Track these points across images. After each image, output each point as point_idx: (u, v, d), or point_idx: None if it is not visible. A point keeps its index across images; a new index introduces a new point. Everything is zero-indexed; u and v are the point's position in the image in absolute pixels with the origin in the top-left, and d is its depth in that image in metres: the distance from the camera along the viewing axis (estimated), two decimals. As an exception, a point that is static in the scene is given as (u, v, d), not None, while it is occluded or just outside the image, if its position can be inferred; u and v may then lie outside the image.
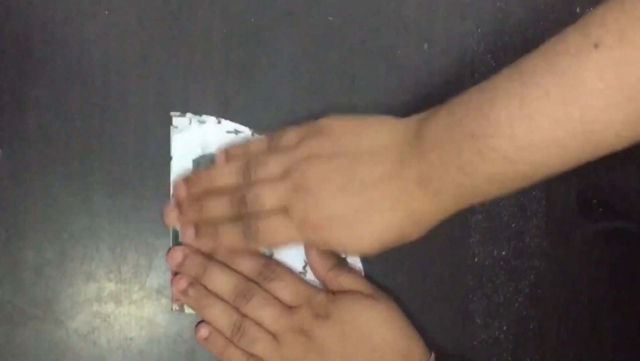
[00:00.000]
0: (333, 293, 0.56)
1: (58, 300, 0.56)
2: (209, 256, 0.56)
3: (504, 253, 0.59)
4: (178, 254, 0.56)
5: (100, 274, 0.57)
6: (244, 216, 0.52)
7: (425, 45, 0.59)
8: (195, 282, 0.56)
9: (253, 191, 0.52)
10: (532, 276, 0.60)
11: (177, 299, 0.56)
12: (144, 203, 0.57)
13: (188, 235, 0.55)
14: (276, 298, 0.55)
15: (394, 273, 0.59)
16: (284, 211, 0.50)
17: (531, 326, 0.60)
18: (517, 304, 0.60)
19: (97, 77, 0.57)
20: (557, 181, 0.58)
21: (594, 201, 0.60)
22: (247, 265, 0.56)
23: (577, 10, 0.59)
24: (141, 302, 0.57)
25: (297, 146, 0.52)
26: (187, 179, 0.56)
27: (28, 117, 0.56)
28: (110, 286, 0.57)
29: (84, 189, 0.57)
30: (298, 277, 0.57)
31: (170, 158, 0.57)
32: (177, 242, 0.55)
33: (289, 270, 0.57)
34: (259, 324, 0.55)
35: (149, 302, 0.57)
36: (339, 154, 0.50)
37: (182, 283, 0.56)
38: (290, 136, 0.53)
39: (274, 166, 0.52)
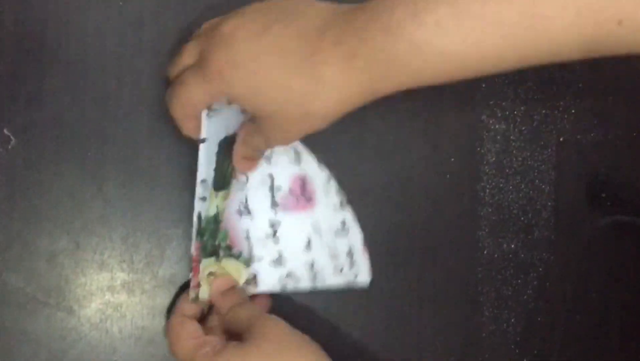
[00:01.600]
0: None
1: (71, 289, 0.57)
2: None
3: (513, 246, 0.60)
4: None
5: (112, 263, 0.57)
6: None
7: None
8: None
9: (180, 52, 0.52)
10: (540, 270, 0.60)
11: (194, 287, 0.56)
12: (157, 193, 0.57)
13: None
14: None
15: (403, 266, 0.59)
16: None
17: (539, 319, 0.60)
18: (525, 297, 0.60)
19: (111, 67, 0.57)
20: (566, 175, 0.59)
21: (603, 195, 0.60)
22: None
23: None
24: (153, 292, 0.57)
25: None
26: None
27: (42, 107, 0.56)
28: (122, 276, 0.57)
29: (98, 178, 0.57)
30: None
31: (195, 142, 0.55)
32: (199, 231, 0.55)
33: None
34: None
35: (161, 292, 0.57)
36: (259, 12, 0.48)
37: None
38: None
39: (191, 53, 0.51)
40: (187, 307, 0.54)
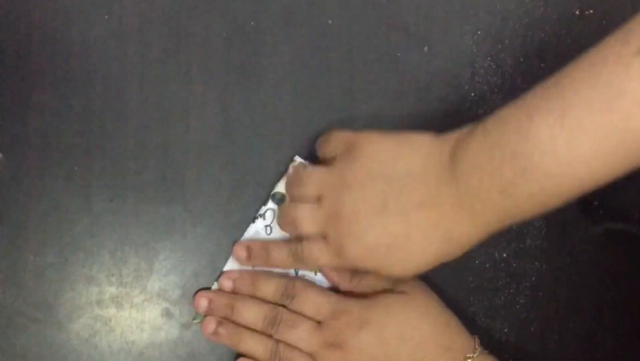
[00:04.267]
0: (365, 296, 0.55)
1: (59, 304, 0.56)
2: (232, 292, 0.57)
3: (504, 254, 0.59)
4: (203, 301, 0.56)
5: (101, 277, 0.57)
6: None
7: (425, 48, 0.59)
8: (223, 320, 0.56)
9: (292, 214, 0.53)
10: (533, 278, 0.59)
11: (198, 312, 0.57)
12: (145, 207, 0.57)
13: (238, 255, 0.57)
14: (303, 316, 0.55)
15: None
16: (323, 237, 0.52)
17: (532, 328, 0.60)
18: (518, 306, 0.59)
19: (97, 81, 0.57)
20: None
21: (595, 202, 0.60)
22: (269, 288, 0.56)
23: (577, 12, 0.59)
24: (142, 305, 0.57)
25: (330, 169, 0.52)
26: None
27: (29, 121, 0.56)
28: (111, 290, 0.57)
29: (85, 192, 0.57)
30: (319, 289, 0.56)
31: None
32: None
33: (309, 283, 0.56)
34: (293, 346, 0.54)
35: (150, 305, 0.57)
36: (371, 180, 0.49)
37: (211, 325, 0.56)
38: (334, 146, 0.53)
39: (310, 188, 0.52)
40: None
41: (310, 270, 0.57)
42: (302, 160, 0.57)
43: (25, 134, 0.56)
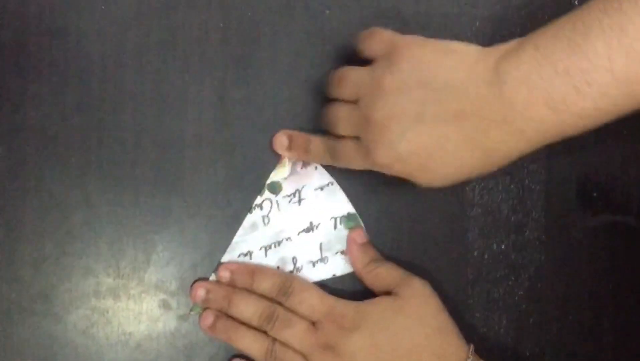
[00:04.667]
0: (360, 300, 0.55)
1: (56, 295, 0.56)
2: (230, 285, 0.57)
3: (503, 246, 0.59)
4: (201, 291, 0.56)
5: (98, 269, 0.57)
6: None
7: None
8: (221, 314, 0.56)
9: (332, 113, 0.52)
10: (532, 270, 0.59)
11: (195, 302, 0.57)
12: (142, 198, 0.57)
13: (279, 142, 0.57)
14: (298, 316, 0.54)
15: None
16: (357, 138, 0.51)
17: (531, 321, 0.59)
18: (517, 298, 0.59)
19: (94, 72, 0.57)
20: (556, 175, 0.58)
21: (594, 194, 0.59)
22: (266, 283, 0.56)
23: (576, 2, 0.59)
24: (139, 297, 0.57)
25: (368, 71, 0.50)
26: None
27: (26, 114, 0.56)
28: (108, 282, 0.57)
29: (82, 184, 0.56)
30: (316, 289, 0.56)
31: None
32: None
33: (306, 283, 0.56)
34: (288, 346, 0.54)
35: (147, 297, 0.57)
36: (409, 87, 0.48)
37: (209, 319, 0.56)
38: (378, 44, 0.51)
39: (347, 88, 0.51)
40: None
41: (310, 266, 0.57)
42: None
43: (21, 126, 0.56)
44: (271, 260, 0.57)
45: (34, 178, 0.56)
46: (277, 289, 0.55)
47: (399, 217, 0.58)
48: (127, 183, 0.57)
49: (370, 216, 0.58)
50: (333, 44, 0.58)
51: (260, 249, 0.57)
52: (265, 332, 0.55)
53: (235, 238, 0.57)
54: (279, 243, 0.57)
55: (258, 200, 0.56)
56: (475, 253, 0.59)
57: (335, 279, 0.58)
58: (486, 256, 0.59)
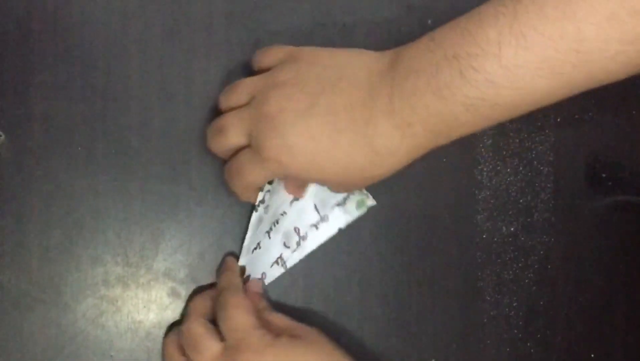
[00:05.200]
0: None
1: (65, 285, 0.56)
2: None
3: (512, 229, 0.59)
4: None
5: (106, 258, 0.57)
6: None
7: (429, 21, 0.58)
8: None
9: (220, 122, 0.51)
10: (541, 252, 0.59)
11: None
12: (149, 186, 0.57)
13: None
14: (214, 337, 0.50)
15: (400, 251, 0.58)
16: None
17: (541, 303, 0.59)
18: (526, 280, 0.59)
19: (99, 60, 0.56)
20: (565, 156, 0.58)
21: (603, 174, 0.59)
22: (221, 282, 0.54)
23: None
24: (148, 285, 0.57)
25: (264, 74, 0.50)
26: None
27: (31, 102, 0.56)
28: (117, 270, 0.57)
29: (89, 172, 0.56)
30: (243, 308, 0.51)
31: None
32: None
33: (244, 302, 0.52)
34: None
35: (156, 285, 0.57)
36: (305, 81, 0.47)
37: None
38: (268, 57, 0.51)
39: (242, 94, 0.50)
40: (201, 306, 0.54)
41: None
42: None
43: (27, 114, 0.56)
44: (276, 240, 0.56)
45: (41, 168, 0.56)
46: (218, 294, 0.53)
47: (408, 200, 0.58)
48: (134, 172, 0.57)
49: (379, 200, 0.57)
50: (337, 28, 0.58)
51: (265, 234, 0.56)
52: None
53: (246, 241, 0.57)
54: (277, 221, 0.56)
55: (260, 196, 0.56)
56: (485, 236, 0.59)
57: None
58: (495, 239, 0.59)
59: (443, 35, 0.43)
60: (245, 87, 0.51)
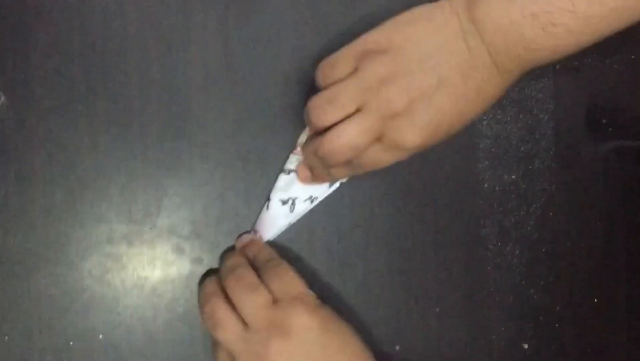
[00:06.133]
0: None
1: (70, 243, 0.56)
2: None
3: (513, 177, 0.59)
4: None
5: (110, 215, 0.57)
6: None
7: None
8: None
9: (328, 94, 0.50)
10: (542, 199, 0.59)
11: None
12: (150, 143, 0.57)
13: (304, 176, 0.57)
14: (267, 289, 0.52)
15: (404, 202, 0.58)
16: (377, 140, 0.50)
17: (544, 250, 0.59)
18: (528, 228, 0.59)
19: (96, 17, 0.56)
20: (565, 103, 0.58)
21: (603, 120, 0.59)
22: (258, 253, 0.56)
23: None
24: (152, 242, 0.57)
25: (360, 73, 0.49)
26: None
27: (30, 63, 0.56)
28: (121, 228, 0.57)
29: (90, 131, 0.56)
30: (296, 275, 0.53)
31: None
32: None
33: (292, 268, 0.54)
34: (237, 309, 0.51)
35: (161, 241, 0.57)
36: (406, 67, 0.48)
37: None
38: (346, 62, 0.50)
39: (348, 102, 0.49)
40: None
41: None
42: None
43: (27, 75, 0.56)
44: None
45: (42, 127, 0.56)
46: (267, 260, 0.54)
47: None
48: (135, 129, 0.57)
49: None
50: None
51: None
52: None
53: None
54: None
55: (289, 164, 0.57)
56: (486, 185, 0.59)
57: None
58: (497, 188, 0.59)
59: None
60: (350, 96, 0.49)
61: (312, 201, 0.57)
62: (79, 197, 0.56)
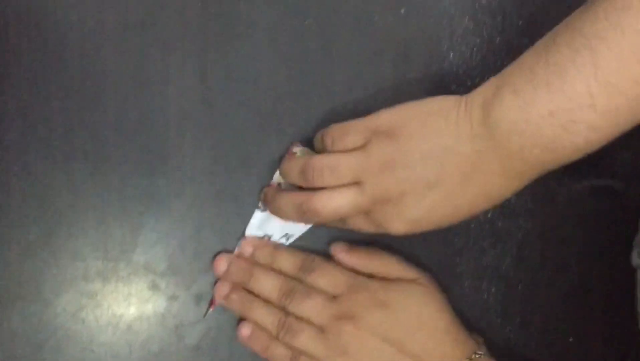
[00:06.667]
0: (384, 279, 0.56)
1: (45, 279, 0.56)
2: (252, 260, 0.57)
3: (489, 214, 0.59)
4: (222, 263, 0.57)
5: (86, 252, 0.57)
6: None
7: (403, 10, 0.58)
8: (237, 287, 0.56)
9: (332, 161, 0.51)
10: (519, 236, 0.59)
11: (218, 305, 0.57)
12: (126, 179, 0.57)
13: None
14: (317, 289, 0.55)
15: (379, 236, 0.58)
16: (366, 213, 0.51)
17: (519, 287, 0.60)
18: (504, 265, 0.59)
19: (74, 53, 0.56)
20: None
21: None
22: (288, 261, 0.56)
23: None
24: (128, 278, 0.57)
25: (366, 152, 0.50)
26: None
27: (7, 98, 0.56)
28: (96, 264, 0.57)
29: (66, 167, 0.56)
30: (338, 266, 0.56)
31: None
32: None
33: (329, 261, 0.57)
34: (303, 319, 0.54)
35: (136, 278, 0.57)
36: (410, 160, 0.49)
37: (224, 288, 0.56)
38: (357, 135, 0.51)
39: (347, 175, 0.51)
40: None
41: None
42: (302, 147, 0.56)
43: (3, 111, 0.56)
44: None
45: (18, 163, 0.56)
46: (299, 266, 0.56)
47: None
48: (111, 165, 0.57)
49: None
50: (313, 17, 0.58)
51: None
52: (282, 308, 0.55)
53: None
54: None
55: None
56: (462, 222, 0.59)
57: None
58: (472, 225, 0.59)
59: (527, 90, 0.45)
60: (349, 169, 0.51)
61: (287, 239, 0.57)
62: (54, 233, 0.56)
